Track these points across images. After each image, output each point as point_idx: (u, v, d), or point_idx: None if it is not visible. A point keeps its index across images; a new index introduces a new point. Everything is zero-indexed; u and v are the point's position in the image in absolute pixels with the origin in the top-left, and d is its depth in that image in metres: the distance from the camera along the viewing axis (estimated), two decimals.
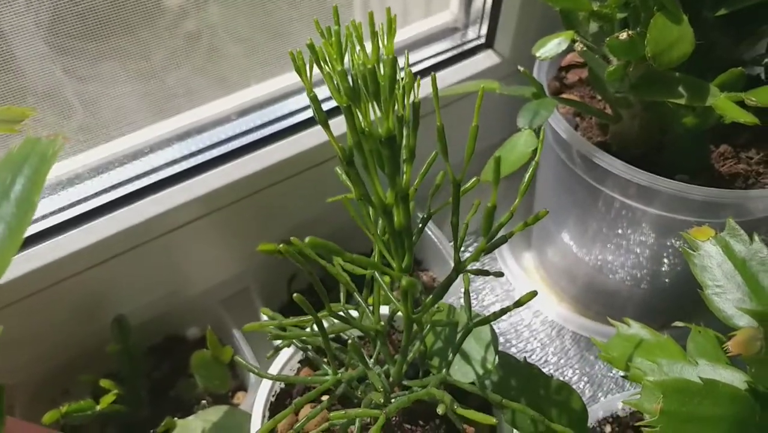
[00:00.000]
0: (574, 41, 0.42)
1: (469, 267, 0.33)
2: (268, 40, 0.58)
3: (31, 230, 0.49)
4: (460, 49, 0.62)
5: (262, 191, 0.57)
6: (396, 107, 0.27)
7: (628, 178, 0.46)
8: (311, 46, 0.27)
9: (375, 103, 0.27)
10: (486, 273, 0.37)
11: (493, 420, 0.29)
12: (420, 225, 0.33)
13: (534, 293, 0.32)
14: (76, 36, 0.50)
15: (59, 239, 0.49)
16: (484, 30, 0.61)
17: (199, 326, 0.58)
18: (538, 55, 0.42)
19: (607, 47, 0.39)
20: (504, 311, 0.35)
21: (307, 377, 0.37)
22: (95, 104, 0.53)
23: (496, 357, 0.39)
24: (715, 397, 0.31)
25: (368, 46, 0.27)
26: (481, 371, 0.39)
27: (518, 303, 0.34)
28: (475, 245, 0.69)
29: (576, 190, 0.53)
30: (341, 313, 0.35)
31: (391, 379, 0.37)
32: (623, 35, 0.38)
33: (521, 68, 0.46)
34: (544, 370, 0.58)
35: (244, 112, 0.57)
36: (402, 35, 0.62)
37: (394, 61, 0.26)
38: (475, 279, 0.66)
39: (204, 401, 0.55)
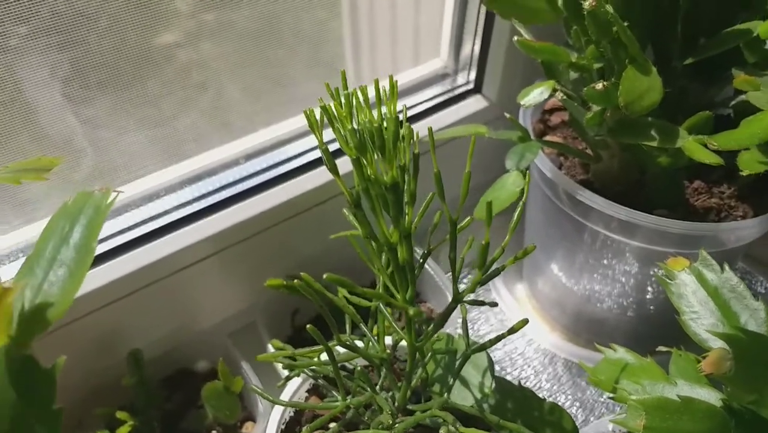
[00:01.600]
0: (554, 90, 0.46)
1: (465, 298, 0.36)
2: (270, 89, 0.62)
3: None
4: (450, 94, 0.66)
5: (268, 230, 0.60)
6: (398, 158, 0.30)
7: (610, 213, 0.50)
8: (324, 108, 0.31)
9: (380, 154, 0.30)
10: (482, 303, 0.40)
11: None
12: (420, 260, 0.37)
13: (525, 321, 0.36)
14: (90, 87, 0.53)
15: None
16: (472, 76, 0.66)
17: (208, 360, 0.61)
18: (522, 103, 0.47)
19: (586, 96, 0.43)
20: (499, 338, 0.38)
21: (318, 403, 0.40)
22: (110, 150, 0.56)
23: (493, 382, 0.42)
24: (693, 413, 0.34)
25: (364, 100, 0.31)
26: (479, 396, 0.42)
27: (512, 330, 0.37)
28: (470, 276, 0.73)
29: (563, 225, 0.57)
30: (348, 342, 0.39)
31: (396, 404, 0.40)
32: (599, 86, 0.42)
33: (508, 115, 0.50)
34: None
35: (250, 156, 0.61)
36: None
37: (397, 120, 0.30)
38: (471, 310, 0.69)
39: (214, 432, 0.57)
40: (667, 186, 0.50)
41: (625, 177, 0.51)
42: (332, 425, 0.46)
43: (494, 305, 0.41)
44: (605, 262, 0.58)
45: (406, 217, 0.33)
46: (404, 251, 0.33)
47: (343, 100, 0.30)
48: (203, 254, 0.57)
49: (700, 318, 0.40)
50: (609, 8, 0.40)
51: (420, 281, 0.66)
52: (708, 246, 0.51)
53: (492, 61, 0.64)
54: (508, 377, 0.63)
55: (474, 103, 0.65)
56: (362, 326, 0.41)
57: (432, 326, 0.38)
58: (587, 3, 0.40)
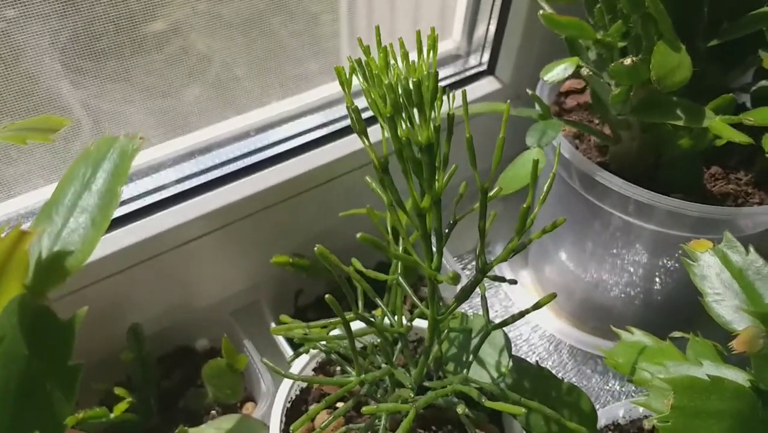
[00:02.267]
0: (579, 67, 0.45)
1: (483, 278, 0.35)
2: (275, 66, 0.61)
3: None
4: (461, 75, 0.65)
5: (273, 207, 0.59)
6: (434, 117, 0.29)
7: (629, 195, 0.49)
8: (358, 62, 0.29)
9: (416, 113, 0.29)
10: (503, 280, 0.39)
11: (521, 410, 0.31)
12: (447, 231, 0.35)
13: (553, 295, 0.35)
14: (91, 56, 0.52)
15: None
16: (486, 57, 0.64)
17: (208, 338, 0.59)
18: (545, 78, 0.45)
19: (611, 72, 0.42)
20: (522, 314, 0.37)
21: (332, 378, 0.39)
22: (113, 121, 0.54)
23: (510, 360, 0.41)
24: (721, 393, 0.33)
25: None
26: (495, 374, 0.41)
27: (537, 305, 0.36)
28: (473, 264, 0.72)
29: (575, 208, 0.56)
30: (364, 317, 0.37)
31: (412, 379, 0.39)
32: (628, 61, 0.41)
33: (530, 91, 0.49)
34: None
35: (259, 130, 0.59)
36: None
37: (436, 75, 0.28)
38: (475, 295, 0.67)
39: (213, 412, 0.56)
40: (685, 169, 0.49)
41: (642, 160, 0.51)
42: (339, 404, 0.44)
43: (513, 282, 0.40)
44: (615, 250, 0.57)
45: (437, 182, 0.31)
46: (433, 217, 0.32)
47: (377, 55, 0.29)
48: (206, 228, 0.56)
49: (724, 300, 0.39)
50: None
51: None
52: (724, 231, 0.50)
53: (507, 43, 0.63)
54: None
55: (486, 85, 0.64)
56: (378, 300, 0.40)
57: (454, 300, 0.37)
58: None
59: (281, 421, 0.44)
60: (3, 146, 0.51)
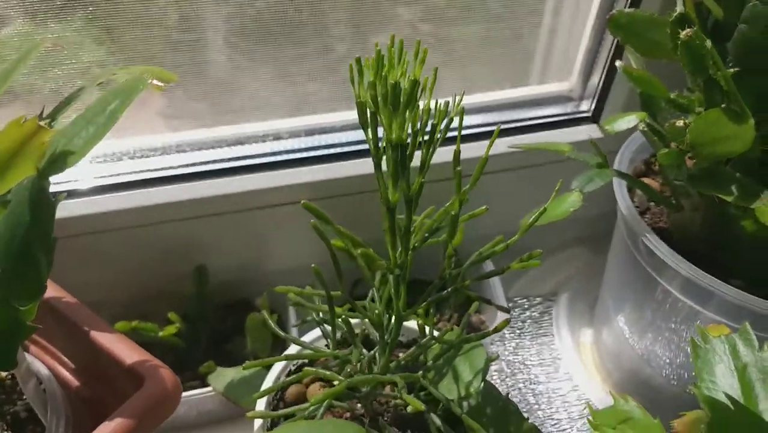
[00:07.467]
0: (642, 121, 0.44)
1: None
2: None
3: (148, 174, 0.60)
4: (566, 117, 0.65)
5: (359, 195, 0.63)
6: (411, 122, 0.32)
7: (678, 270, 0.46)
8: (357, 60, 0.33)
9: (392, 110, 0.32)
10: (490, 303, 0.40)
11: (421, 407, 0.32)
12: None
13: (507, 321, 0.35)
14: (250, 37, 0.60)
15: (169, 188, 0.58)
16: (593, 105, 0.64)
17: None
18: (606, 128, 0.45)
19: (667, 131, 0.41)
20: (485, 335, 0.38)
21: (318, 348, 0.43)
22: (242, 92, 0.63)
23: (481, 384, 0.41)
24: None
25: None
26: (463, 393, 0.41)
27: (496, 329, 0.37)
28: (528, 310, 0.71)
29: (634, 274, 0.53)
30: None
31: (380, 365, 0.41)
32: (680, 123, 0.40)
33: (592, 138, 0.48)
34: None
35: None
36: (518, 93, 0.67)
37: (415, 82, 0.31)
38: (523, 339, 0.67)
39: (247, 361, 0.61)
40: (749, 255, 0.45)
41: (707, 234, 0.47)
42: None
43: (506, 310, 0.41)
44: (673, 325, 0.54)
45: (414, 184, 0.34)
46: (404, 215, 0.34)
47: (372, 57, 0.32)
48: (288, 199, 0.61)
49: (717, 391, 0.37)
50: (707, 43, 0.38)
51: (482, 294, 0.65)
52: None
53: (613, 94, 0.62)
54: (540, 414, 0.61)
55: (588, 131, 0.63)
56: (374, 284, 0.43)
57: (425, 303, 0.39)
58: (683, 33, 0.38)
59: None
60: None
